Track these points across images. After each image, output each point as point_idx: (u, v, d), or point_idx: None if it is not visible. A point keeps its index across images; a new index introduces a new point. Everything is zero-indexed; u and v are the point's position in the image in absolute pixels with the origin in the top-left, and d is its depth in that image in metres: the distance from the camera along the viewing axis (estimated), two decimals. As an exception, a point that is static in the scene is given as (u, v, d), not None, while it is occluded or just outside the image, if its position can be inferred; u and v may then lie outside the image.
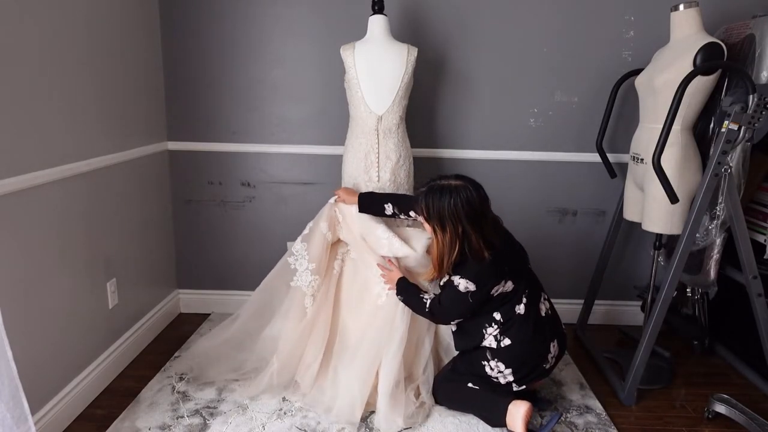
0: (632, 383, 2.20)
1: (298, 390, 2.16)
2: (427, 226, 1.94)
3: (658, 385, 2.36)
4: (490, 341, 1.97)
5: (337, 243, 2.32)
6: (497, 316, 1.95)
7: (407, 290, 2.08)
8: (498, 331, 1.96)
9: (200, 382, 2.23)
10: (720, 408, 2.08)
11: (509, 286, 1.93)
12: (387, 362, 2.05)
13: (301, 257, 2.23)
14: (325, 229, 2.24)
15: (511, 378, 1.98)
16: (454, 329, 2.09)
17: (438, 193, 1.85)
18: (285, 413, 2.06)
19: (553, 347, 2.02)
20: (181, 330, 2.76)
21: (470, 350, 2.05)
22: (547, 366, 2.02)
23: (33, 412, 1.74)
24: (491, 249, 1.88)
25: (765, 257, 2.20)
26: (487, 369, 1.99)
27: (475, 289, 1.88)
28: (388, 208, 2.15)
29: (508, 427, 1.95)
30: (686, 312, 2.69)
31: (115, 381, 2.28)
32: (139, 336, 2.52)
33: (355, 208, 2.19)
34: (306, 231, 2.26)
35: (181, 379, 2.27)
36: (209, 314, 2.93)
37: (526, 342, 1.96)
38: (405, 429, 1.98)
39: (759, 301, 2.08)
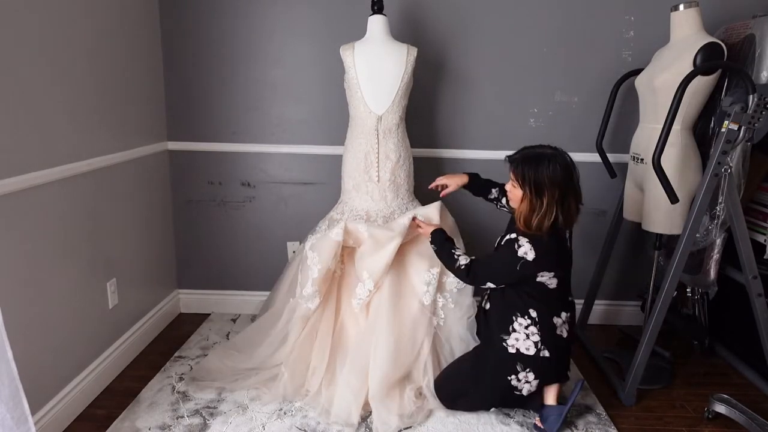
0: (632, 383, 2.20)
1: (307, 396, 2.14)
2: (518, 192, 1.91)
3: (658, 385, 2.36)
4: (528, 346, 1.93)
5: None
6: (533, 312, 1.93)
7: (442, 243, 2.06)
8: (538, 336, 1.92)
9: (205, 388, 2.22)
10: (720, 408, 2.08)
11: (553, 282, 1.91)
12: (375, 365, 2.06)
13: (312, 298, 2.19)
14: (332, 266, 2.22)
15: (534, 389, 1.98)
16: (487, 307, 2.06)
17: (534, 160, 1.86)
18: (285, 413, 2.06)
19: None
20: (181, 330, 2.76)
21: (495, 364, 1.99)
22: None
23: (33, 412, 1.74)
24: (575, 220, 1.92)
25: (765, 257, 2.20)
26: (513, 381, 1.96)
27: (531, 259, 1.86)
28: (494, 192, 2.24)
29: (543, 401, 2.02)
30: (686, 312, 2.69)
31: (115, 381, 2.28)
32: (139, 336, 2.52)
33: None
34: (315, 274, 2.16)
35: (181, 379, 2.27)
36: (209, 314, 2.93)
37: (559, 363, 1.99)
38: (404, 429, 1.98)
39: (759, 301, 2.08)
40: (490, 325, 2.03)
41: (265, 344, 2.29)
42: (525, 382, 1.95)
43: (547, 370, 1.96)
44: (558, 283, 1.93)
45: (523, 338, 1.94)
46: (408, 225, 2.15)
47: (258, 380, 2.20)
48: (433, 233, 2.11)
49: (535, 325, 1.93)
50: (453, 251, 2.04)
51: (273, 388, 2.15)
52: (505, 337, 1.96)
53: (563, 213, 1.87)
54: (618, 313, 2.99)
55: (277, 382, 2.15)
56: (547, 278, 1.91)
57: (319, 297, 2.19)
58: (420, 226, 2.17)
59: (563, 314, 1.97)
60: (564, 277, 1.96)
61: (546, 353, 1.93)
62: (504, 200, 2.20)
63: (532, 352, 1.93)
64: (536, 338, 1.93)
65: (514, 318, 1.95)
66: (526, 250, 1.87)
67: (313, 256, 2.17)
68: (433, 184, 2.27)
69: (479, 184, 2.27)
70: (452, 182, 2.25)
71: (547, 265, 1.89)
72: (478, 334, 2.13)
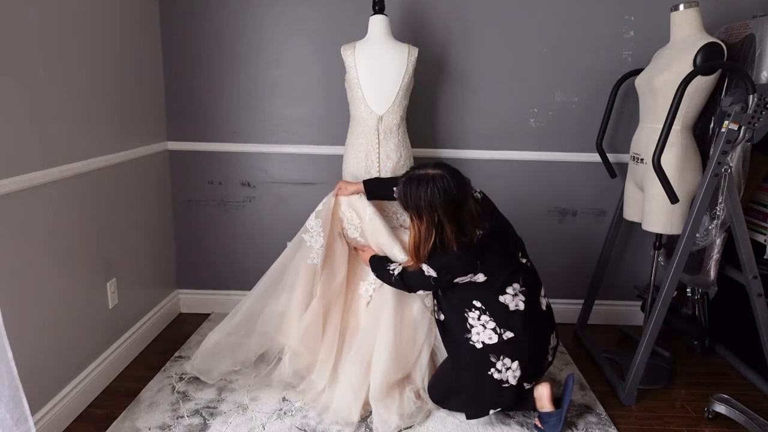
0: (632, 383, 2.20)
1: (312, 388, 2.14)
2: (408, 214, 1.92)
3: (658, 385, 2.36)
4: (489, 335, 1.92)
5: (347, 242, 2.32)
6: (477, 303, 1.94)
7: (379, 265, 2.10)
8: (493, 321, 1.92)
9: (208, 377, 2.22)
10: (720, 408, 2.08)
11: (479, 277, 1.89)
12: (376, 365, 2.06)
13: (317, 234, 2.20)
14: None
15: (519, 372, 1.93)
16: (442, 318, 2.07)
17: (415, 183, 1.82)
18: (285, 413, 2.06)
19: (553, 339, 2.04)
20: (181, 330, 2.76)
21: (471, 365, 1.97)
22: (550, 359, 2.04)
23: (33, 412, 1.74)
24: (466, 240, 1.85)
25: (765, 257, 2.20)
26: (495, 374, 1.94)
27: (436, 276, 1.88)
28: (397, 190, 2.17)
29: (538, 409, 2.01)
30: (686, 312, 2.69)
31: (115, 381, 2.28)
32: (139, 336, 2.52)
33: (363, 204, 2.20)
34: (320, 207, 2.22)
35: (181, 379, 2.27)
36: (209, 314, 2.93)
37: (531, 337, 1.96)
38: (404, 429, 1.98)
39: (759, 301, 2.08)
40: (452, 331, 2.03)
41: (272, 299, 2.28)
42: (506, 369, 1.93)
43: (519, 349, 1.93)
44: (487, 275, 1.89)
45: (481, 330, 1.94)
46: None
47: (260, 378, 2.21)
48: (371, 261, 2.13)
49: (485, 313, 1.93)
50: (387, 267, 2.05)
51: (275, 370, 2.17)
52: (468, 336, 1.96)
53: (439, 238, 1.84)
54: (618, 313, 2.99)
55: (281, 362, 2.17)
56: (468, 279, 1.89)
57: (323, 238, 2.18)
58: (360, 250, 2.19)
59: (509, 289, 1.93)
60: (491, 268, 1.90)
61: (509, 334, 1.92)
62: None
63: (495, 339, 1.93)
64: (492, 324, 1.93)
65: (465, 315, 1.96)
66: (427, 269, 1.88)
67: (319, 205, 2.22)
68: (335, 189, 2.25)
69: (378, 189, 2.19)
70: (348, 188, 2.22)
71: (456, 275, 1.88)
72: (445, 343, 2.11)
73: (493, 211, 2.02)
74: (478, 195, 1.99)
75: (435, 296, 2.11)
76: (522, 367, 1.94)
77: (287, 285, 2.26)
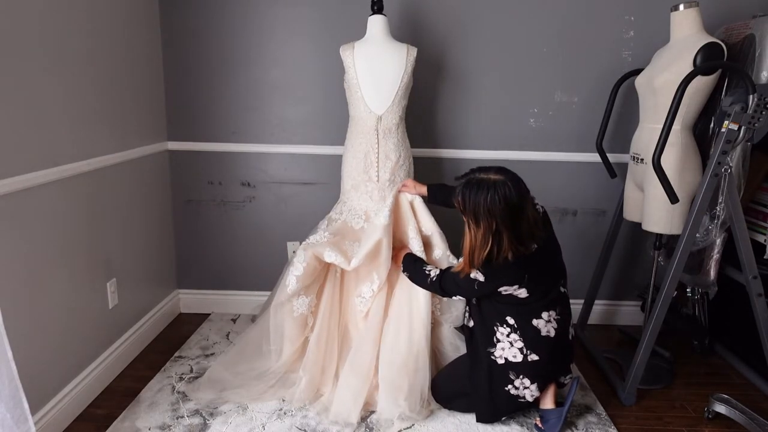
0: (632, 383, 2.20)
1: (320, 399, 2.13)
2: (465, 218, 1.88)
3: (658, 385, 2.36)
4: (514, 353, 1.92)
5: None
6: (510, 320, 1.92)
7: (412, 265, 2.11)
8: (521, 342, 1.91)
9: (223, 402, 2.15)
10: (720, 408, 2.08)
11: (522, 292, 1.88)
12: (385, 352, 2.08)
13: (299, 295, 2.17)
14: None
15: (536, 393, 1.96)
16: (471, 325, 2.06)
17: (475, 188, 1.77)
18: (285, 413, 2.06)
19: (572, 367, 2.09)
20: (181, 330, 2.76)
21: (488, 376, 1.97)
22: (561, 380, 2.06)
23: (33, 412, 1.75)
24: (523, 249, 1.82)
25: (765, 257, 2.20)
26: (512, 390, 1.95)
27: (483, 281, 1.86)
28: None
29: (540, 406, 2.01)
30: (686, 312, 2.69)
31: (115, 381, 2.28)
32: (139, 336, 2.52)
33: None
34: (299, 272, 2.11)
35: (181, 379, 2.27)
36: (209, 314, 2.93)
37: (553, 363, 1.98)
38: (404, 429, 1.98)
39: (759, 301, 2.08)
40: (476, 340, 2.02)
41: (267, 354, 2.26)
42: (524, 388, 1.94)
43: (541, 372, 1.95)
44: (530, 292, 1.88)
45: (507, 347, 1.93)
46: (386, 223, 2.14)
47: (265, 387, 2.17)
48: (403, 260, 2.15)
49: (515, 332, 1.92)
50: (424, 269, 2.07)
51: (289, 394, 2.13)
52: (492, 350, 1.96)
53: (497, 246, 1.79)
54: (618, 313, 2.99)
55: (295, 388, 2.13)
56: (512, 290, 1.88)
57: (305, 295, 2.17)
58: (406, 185, 2.26)
59: (545, 314, 1.93)
60: (536, 285, 1.89)
61: (534, 357, 1.92)
62: None
63: (519, 358, 1.92)
64: (520, 344, 1.92)
65: (495, 329, 1.95)
66: (474, 273, 1.85)
67: (302, 255, 2.13)
68: (400, 186, 2.30)
69: (445, 194, 2.19)
70: (411, 187, 2.28)
71: (503, 283, 1.86)
72: (468, 350, 2.10)
73: (549, 231, 1.98)
74: (540, 208, 1.97)
75: (468, 303, 2.08)
76: (540, 388, 1.97)
77: (273, 346, 2.23)
